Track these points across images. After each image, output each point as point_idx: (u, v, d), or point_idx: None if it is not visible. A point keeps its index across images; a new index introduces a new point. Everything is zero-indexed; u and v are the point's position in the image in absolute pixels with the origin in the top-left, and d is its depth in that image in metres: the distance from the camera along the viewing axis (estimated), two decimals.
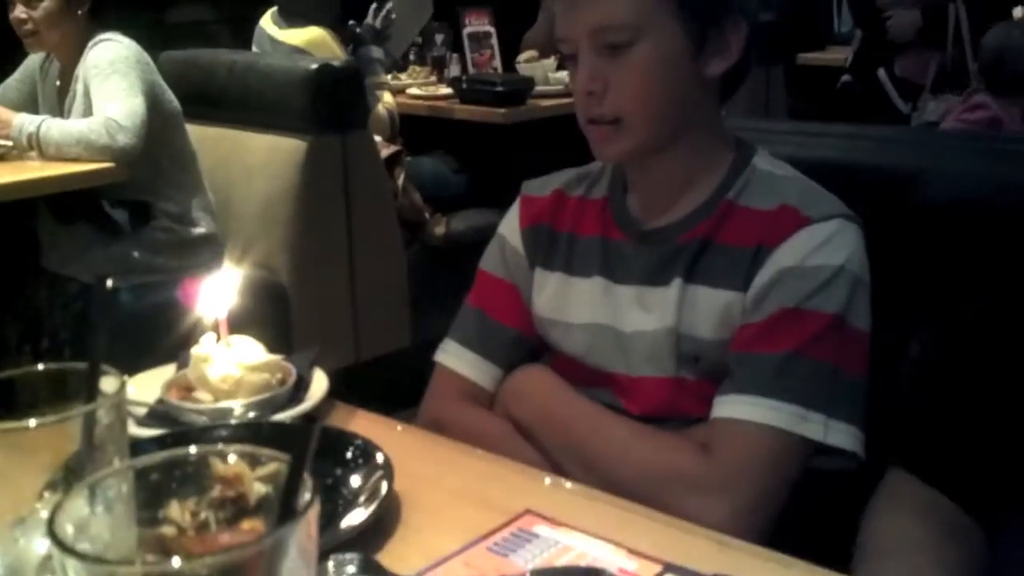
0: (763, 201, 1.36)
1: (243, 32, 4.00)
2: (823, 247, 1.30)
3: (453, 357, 1.53)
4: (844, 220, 1.32)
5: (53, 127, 2.90)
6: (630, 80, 1.33)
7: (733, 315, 1.33)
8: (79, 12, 3.06)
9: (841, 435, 1.25)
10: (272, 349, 1.35)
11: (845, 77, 5.01)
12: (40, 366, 0.87)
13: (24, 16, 3.03)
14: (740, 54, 1.37)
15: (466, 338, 1.53)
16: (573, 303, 1.47)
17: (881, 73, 4.70)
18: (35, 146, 2.92)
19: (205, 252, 3.18)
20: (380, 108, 3.82)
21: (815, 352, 1.27)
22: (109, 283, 0.94)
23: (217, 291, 1.28)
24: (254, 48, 3.91)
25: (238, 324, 1.30)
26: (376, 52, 4.07)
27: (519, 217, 1.55)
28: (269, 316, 3.09)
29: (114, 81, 2.91)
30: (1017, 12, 4.49)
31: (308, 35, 3.71)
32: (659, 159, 1.40)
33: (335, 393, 1.33)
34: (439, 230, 3.89)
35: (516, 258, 1.54)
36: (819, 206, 1.33)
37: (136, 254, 3.05)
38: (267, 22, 3.87)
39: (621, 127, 1.35)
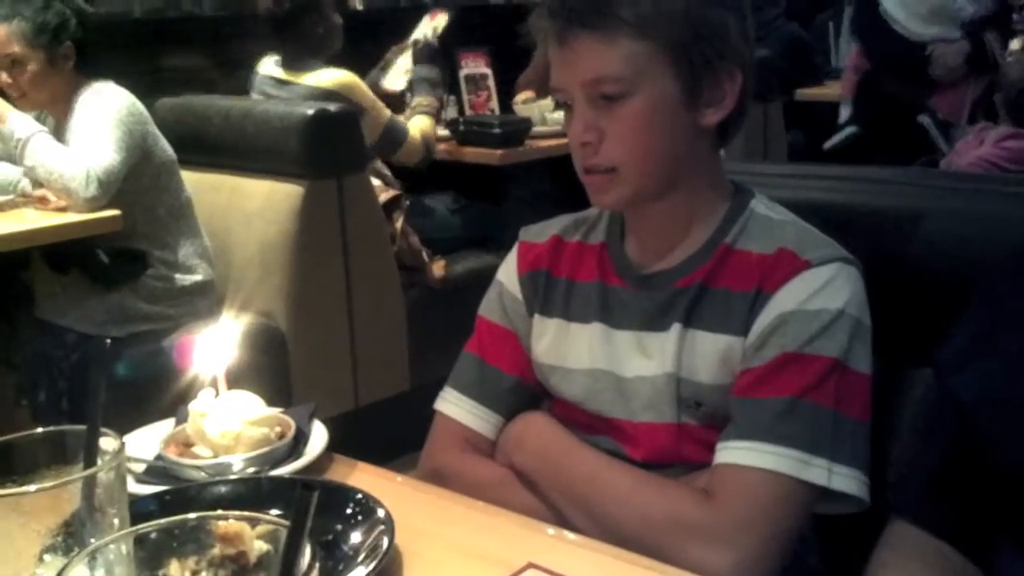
0: (761, 245, 1.36)
1: (239, 77, 4.01)
2: (823, 291, 1.29)
3: (452, 405, 1.52)
4: (843, 263, 1.32)
5: (41, 147, 2.88)
6: (625, 131, 1.33)
7: (733, 360, 1.33)
8: (65, 69, 3.05)
9: (845, 480, 1.24)
10: (271, 395, 1.35)
11: (850, 129, 4.97)
12: (39, 429, 0.87)
13: (11, 81, 3.02)
14: (736, 103, 1.36)
15: (465, 386, 1.53)
16: (572, 349, 1.47)
17: (925, 119, 4.66)
18: (18, 153, 2.91)
19: (202, 300, 3.17)
20: (415, 133, 3.83)
21: (816, 396, 1.26)
22: (107, 343, 0.94)
23: (215, 346, 1.27)
24: (253, 95, 3.91)
25: (236, 370, 1.30)
26: (424, 71, 4.08)
27: (517, 264, 1.55)
28: (267, 362, 3.09)
29: (100, 131, 2.90)
30: (1014, 44, 4.49)
31: (338, 78, 3.69)
32: (657, 205, 1.40)
33: (335, 441, 1.33)
34: (438, 273, 3.88)
35: (515, 305, 1.54)
36: (818, 249, 1.33)
37: (132, 303, 3.04)
38: (268, 67, 3.87)
39: (617, 176, 1.35)
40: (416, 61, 4.10)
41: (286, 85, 3.76)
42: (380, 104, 3.74)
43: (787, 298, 1.30)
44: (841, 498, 1.25)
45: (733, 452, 1.27)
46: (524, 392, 1.53)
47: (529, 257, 1.54)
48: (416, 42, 4.14)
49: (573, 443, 1.40)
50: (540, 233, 1.55)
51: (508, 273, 1.56)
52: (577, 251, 1.51)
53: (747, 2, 1.38)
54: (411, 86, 4.08)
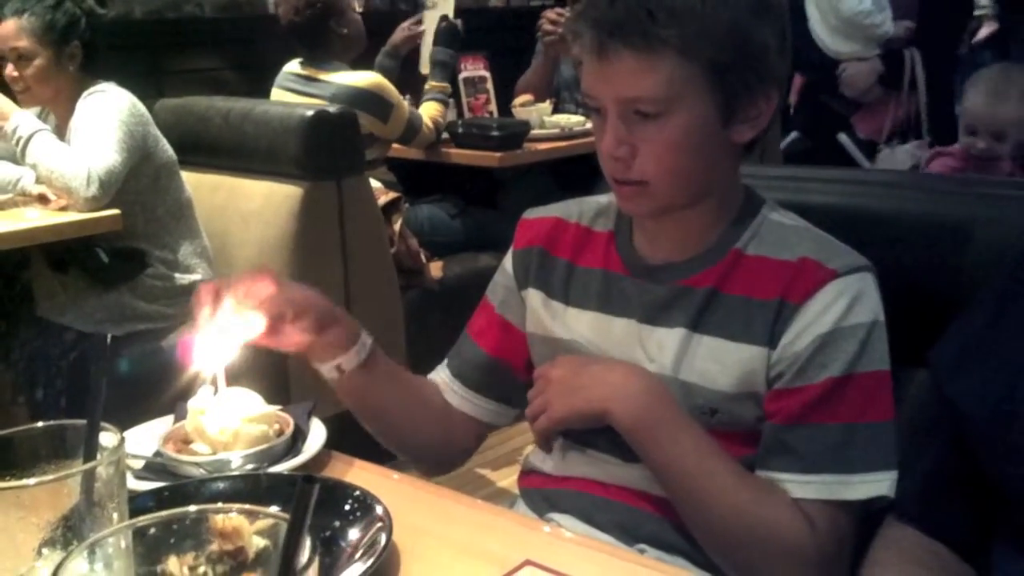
0: (777, 251, 1.34)
1: (241, 79, 4.00)
2: (856, 305, 1.28)
3: (435, 372, 1.63)
4: (866, 272, 1.32)
5: (43, 145, 2.89)
6: (658, 149, 1.31)
7: (755, 370, 1.31)
8: (70, 68, 3.06)
9: (893, 484, 1.26)
10: (269, 393, 1.35)
11: (794, 134, 4.83)
12: (39, 424, 0.88)
13: (16, 74, 3.04)
14: (768, 121, 1.35)
15: (450, 357, 1.62)
16: (573, 332, 1.46)
17: (843, 138, 4.58)
18: (19, 150, 2.92)
19: None
20: (427, 123, 3.95)
21: (869, 416, 1.27)
22: (108, 340, 0.95)
23: (215, 343, 1.28)
24: (275, 92, 3.92)
25: (235, 368, 1.30)
26: (442, 54, 4.14)
27: (515, 241, 1.57)
28: (266, 360, 3.07)
29: (102, 132, 2.91)
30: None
31: (372, 78, 3.77)
32: (679, 213, 1.39)
33: (333, 438, 1.33)
34: (436, 275, 3.88)
35: (505, 279, 1.57)
36: (840, 258, 1.32)
37: (131, 302, 3.04)
38: (294, 66, 3.89)
39: (648, 188, 1.34)
40: (436, 41, 4.15)
41: (314, 82, 3.77)
42: (403, 100, 3.86)
43: (820, 314, 1.28)
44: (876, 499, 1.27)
45: (804, 487, 1.26)
46: (500, 372, 1.56)
47: (527, 234, 1.56)
48: (444, 17, 4.19)
49: (685, 415, 1.34)
50: (541, 212, 1.57)
51: (509, 253, 1.58)
52: (583, 235, 1.51)
53: (787, 20, 1.35)
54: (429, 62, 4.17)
